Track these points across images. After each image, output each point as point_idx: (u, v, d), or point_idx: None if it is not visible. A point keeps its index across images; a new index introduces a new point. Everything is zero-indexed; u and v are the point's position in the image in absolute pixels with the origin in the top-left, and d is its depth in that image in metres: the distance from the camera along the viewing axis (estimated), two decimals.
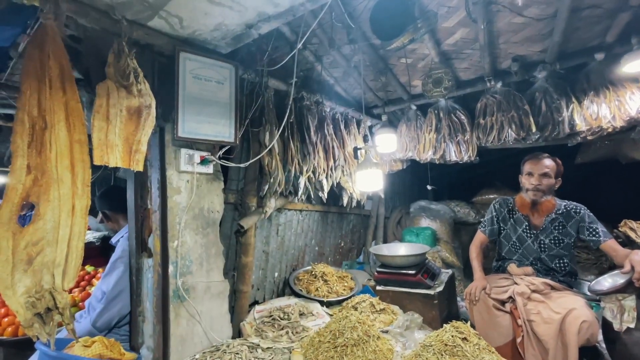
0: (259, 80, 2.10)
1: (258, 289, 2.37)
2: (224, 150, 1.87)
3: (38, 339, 1.14)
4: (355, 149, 2.23)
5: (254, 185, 2.12)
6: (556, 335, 1.63)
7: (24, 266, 1.11)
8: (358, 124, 3.17)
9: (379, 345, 1.56)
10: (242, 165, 1.90)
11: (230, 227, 2.15)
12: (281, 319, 1.98)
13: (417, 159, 3.05)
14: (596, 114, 2.20)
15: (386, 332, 1.86)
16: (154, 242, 1.67)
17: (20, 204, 1.12)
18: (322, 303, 2.24)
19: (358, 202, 3.10)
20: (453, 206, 3.85)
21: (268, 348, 1.67)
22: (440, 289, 2.19)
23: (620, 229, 2.21)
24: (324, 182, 2.41)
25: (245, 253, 2.11)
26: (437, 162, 2.96)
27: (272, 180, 2.05)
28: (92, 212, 2.14)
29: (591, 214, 1.91)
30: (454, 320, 1.47)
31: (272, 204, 2.12)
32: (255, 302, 2.31)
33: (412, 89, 3.06)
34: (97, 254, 3.02)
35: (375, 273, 2.40)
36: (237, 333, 1.98)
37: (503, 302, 1.89)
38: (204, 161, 1.75)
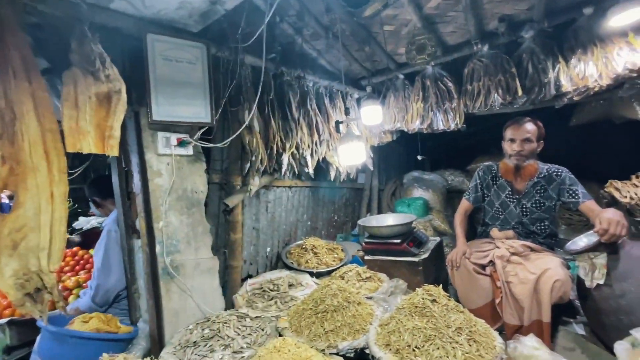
0: (234, 58, 2.07)
1: (251, 264, 2.47)
2: (202, 131, 1.89)
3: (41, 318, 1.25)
4: (337, 123, 2.22)
5: (237, 164, 2.16)
6: (531, 294, 1.68)
7: (9, 251, 1.18)
8: (345, 97, 3.13)
9: (359, 310, 1.64)
10: (220, 145, 1.92)
11: (217, 206, 2.21)
12: (271, 290, 2.08)
13: (406, 130, 3.03)
14: (583, 73, 2.13)
15: (370, 298, 1.95)
16: (139, 224, 1.74)
17: None
18: (311, 274, 2.32)
19: (349, 176, 3.13)
20: (447, 175, 3.85)
21: (256, 317, 1.77)
22: (425, 256, 2.25)
23: (606, 189, 2.20)
24: (308, 158, 2.43)
25: (234, 230, 2.18)
26: (425, 132, 2.93)
27: (253, 158, 2.08)
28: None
29: (572, 176, 1.90)
30: (427, 285, 1.53)
31: (256, 182, 2.16)
32: (249, 276, 2.41)
33: (398, 58, 2.98)
34: None
35: (364, 244, 2.46)
36: (231, 305, 2.09)
37: (484, 266, 1.94)
38: (181, 143, 1.78)
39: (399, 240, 2.27)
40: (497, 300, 1.83)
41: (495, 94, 2.46)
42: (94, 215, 3.56)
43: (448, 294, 1.51)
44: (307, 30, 2.56)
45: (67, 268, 2.61)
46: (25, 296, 1.20)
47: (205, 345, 1.51)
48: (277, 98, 2.37)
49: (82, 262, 2.71)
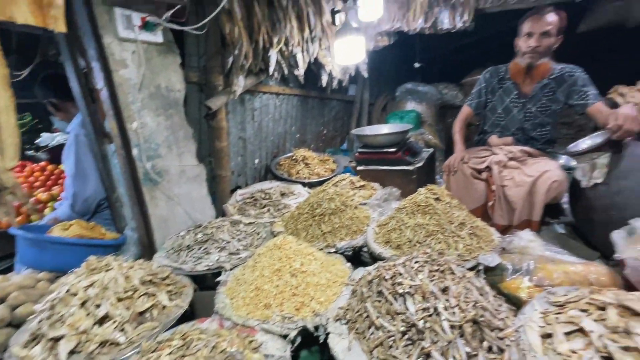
0: None
1: (239, 175, 2.36)
2: (172, 11, 1.54)
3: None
4: (333, 12, 1.89)
5: (217, 60, 1.85)
6: (525, 196, 1.70)
7: None
8: None
9: (356, 213, 1.61)
10: (194, 29, 1.58)
11: (197, 109, 1.98)
12: (263, 198, 2.01)
13: (406, 30, 2.70)
14: None
15: (365, 204, 1.93)
16: (109, 125, 1.51)
17: None
18: (303, 184, 2.26)
19: (340, 86, 2.88)
20: (441, 88, 3.66)
21: (250, 223, 1.72)
22: (420, 164, 2.21)
23: (609, 95, 2.12)
24: (299, 56, 2.13)
25: (219, 137, 2.00)
26: (428, 32, 2.62)
27: (236, 52, 1.78)
28: None
29: (586, 76, 1.77)
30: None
31: (240, 82, 1.90)
32: (238, 187, 2.33)
33: None
34: None
35: (357, 154, 2.37)
36: (222, 215, 2.04)
37: (480, 171, 1.92)
38: (147, 25, 1.45)
39: (394, 149, 2.19)
40: (490, 203, 1.86)
41: None
42: (58, 131, 3.22)
43: None
44: None
45: (37, 183, 2.41)
46: None
47: (200, 249, 1.47)
48: None
49: (53, 177, 2.50)
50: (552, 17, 1.72)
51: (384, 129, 2.48)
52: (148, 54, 1.54)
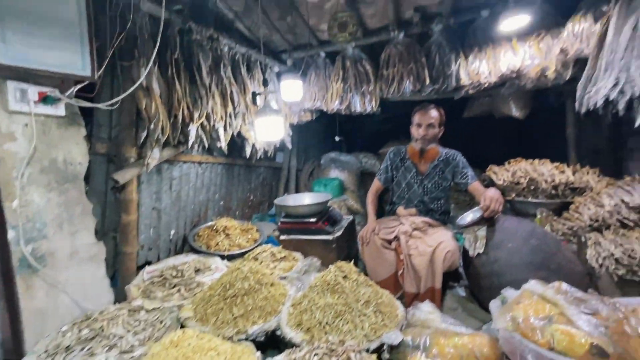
0: (127, 1, 1.68)
1: (150, 249, 2.16)
2: (79, 86, 1.50)
3: None
4: (254, 94, 2.04)
5: (130, 132, 1.80)
6: (427, 264, 1.87)
7: None
8: (265, 69, 2.93)
9: (272, 291, 1.57)
10: (104, 106, 1.55)
11: (104, 182, 1.84)
12: (173, 277, 1.85)
13: (325, 109, 3.01)
14: (477, 69, 2.41)
15: (285, 278, 1.90)
16: None
17: None
18: (222, 257, 2.16)
19: (266, 154, 2.99)
20: (361, 158, 4.04)
21: (154, 309, 1.55)
22: (339, 233, 2.31)
23: (487, 172, 2.59)
24: (221, 131, 2.19)
25: (126, 211, 1.85)
26: (344, 113, 2.97)
27: (152, 126, 1.77)
28: None
29: (464, 159, 2.16)
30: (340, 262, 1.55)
31: (155, 154, 1.85)
32: (148, 263, 2.11)
33: (321, 35, 2.91)
34: None
35: (280, 223, 2.39)
36: (123, 298, 1.80)
37: (390, 242, 2.08)
38: (46, 99, 1.38)
39: (314, 219, 2.27)
40: (400, 272, 1.99)
41: (407, 81, 2.62)
42: None
43: (358, 268, 1.56)
44: None
45: None
46: None
47: (83, 349, 1.24)
48: (185, 59, 2.05)
49: None
50: (434, 113, 2.12)
51: (305, 198, 2.59)
52: (45, 127, 1.44)
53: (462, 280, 2.16)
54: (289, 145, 3.08)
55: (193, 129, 2.01)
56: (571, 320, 1.08)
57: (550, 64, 2.18)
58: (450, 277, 2.08)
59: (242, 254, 2.24)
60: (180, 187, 2.35)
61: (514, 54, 2.30)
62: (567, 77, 2.19)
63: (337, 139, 3.60)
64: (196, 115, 2.02)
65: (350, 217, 2.71)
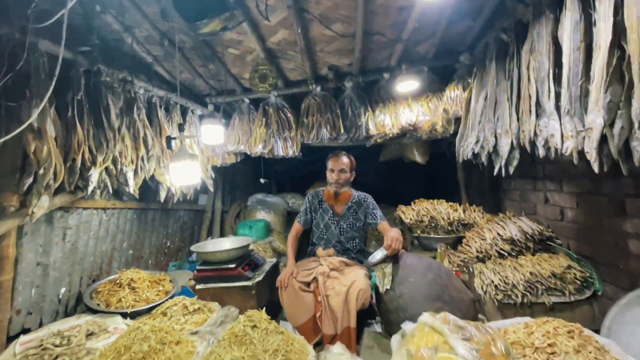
0: (21, 39, 1.58)
1: (30, 314, 1.83)
2: None
3: None
4: (169, 138, 2.00)
5: (12, 178, 1.59)
6: (343, 304, 1.93)
7: None
8: (186, 112, 2.91)
9: (177, 350, 1.45)
10: None
11: None
12: (56, 346, 1.57)
13: (249, 153, 3.07)
14: (382, 122, 2.76)
15: (196, 332, 1.77)
16: None
17: None
18: (125, 315, 1.93)
19: (186, 197, 2.86)
20: (288, 198, 4.12)
21: None
22: (259, 278, 2.26)
23: (396, 212, 2.87)
24: (130, 174, 2.07)
25: None
26: (267, 157, 3.06)
27: (41, 171, 1.59)
28: None
29: (374, 201, 2.37)
30: (250, 311, 1.52)
31: (43, 202, 1.65)
32: (26, 331, 1.77)
33: (245, 82, 3.04)
34: None
35: (195, 272, 2.26)
36: None
37: (308, 284, 2.11)
38: None
39: (233, 265, 2.20)
40: (318, 314, 2.01)
41: (325, 129, 2.85)
42: None
43: (280, 313, 1.53)
44: (140, 31, 2.26)
45: None
46: None
47: None
48: (90, 100, 1.94)
49: None
50: (345, 159, 2.33)
51: (225, 243, 2.51)
52: None
53: (377, 316, 2.27)
54: (211, 188, 3.01)
55: (95, 174, 1.85)
56: (452, 348, 1.22)
57: (438, 120, 2.62)
58: (366, 314, 2.17)
59: (149, 310, 2.03)
60: (77, 237, 2.09)
61: (410, 111, 2.71)
62: (452, 132, 2.64)
63: (262, 181, 3.64)
64: (100, 159, 1.88)
65: (274, 260, 2.69)
